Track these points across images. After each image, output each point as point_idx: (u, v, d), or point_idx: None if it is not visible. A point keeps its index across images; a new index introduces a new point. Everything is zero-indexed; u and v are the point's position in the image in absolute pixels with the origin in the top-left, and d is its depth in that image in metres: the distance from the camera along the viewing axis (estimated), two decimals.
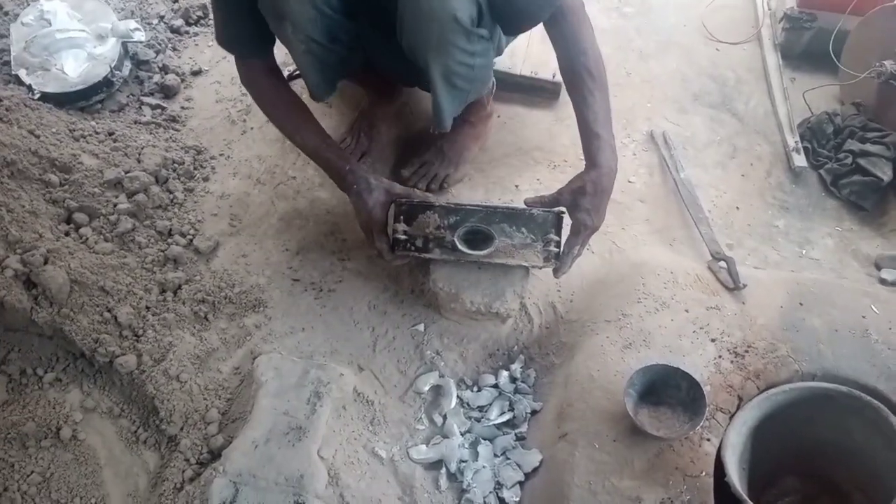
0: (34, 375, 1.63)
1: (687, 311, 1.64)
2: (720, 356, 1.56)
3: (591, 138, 1.57)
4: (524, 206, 1.60)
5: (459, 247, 1.59)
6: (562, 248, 1.58)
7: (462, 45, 1.46)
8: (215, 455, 1.55)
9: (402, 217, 1.63)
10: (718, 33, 2.39)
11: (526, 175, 1.98)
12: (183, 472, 1.52)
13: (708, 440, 1.46)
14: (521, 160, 2.02)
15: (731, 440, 1.45)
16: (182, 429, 1.57)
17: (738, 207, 1.95)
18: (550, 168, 1.99)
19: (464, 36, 1.45)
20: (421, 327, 1.73)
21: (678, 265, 1.75)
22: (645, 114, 2.15)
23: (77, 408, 1.60)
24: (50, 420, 1.57)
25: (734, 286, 1.67)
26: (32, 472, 1.52)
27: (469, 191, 1.95)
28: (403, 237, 1.61)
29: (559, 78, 1.96)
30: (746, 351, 1.56)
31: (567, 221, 1.60)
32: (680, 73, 2.28)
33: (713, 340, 1.59)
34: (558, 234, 1.59)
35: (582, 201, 1.56)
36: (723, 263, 1.72)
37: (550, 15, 1.54)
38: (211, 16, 2.39)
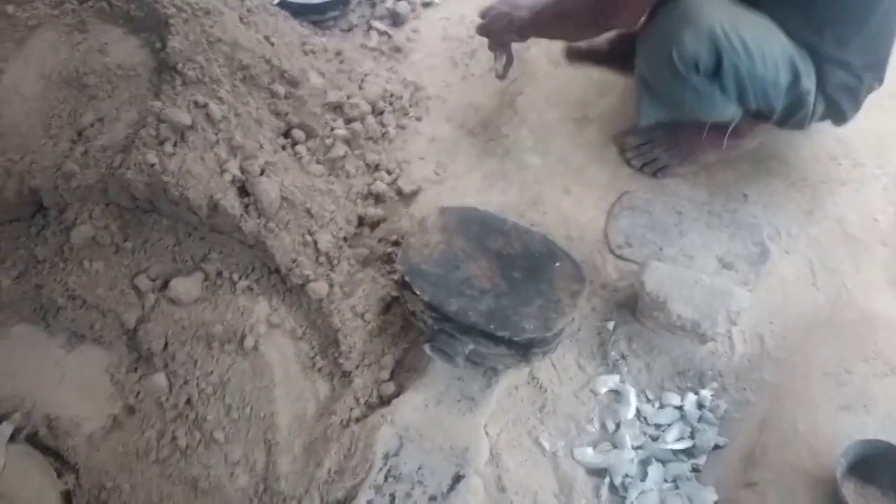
0: (229, 280, 1.67)
1: None
2: None
3: None
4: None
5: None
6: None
7: (667, 78, 1.51)
8: (384, 401, 1.54)
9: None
10: None
11: (757, 185, 1.79)
12: (351, 409, 1.53)
13: None
14: (754, 167, 1.82)
15: None
16: (357, 367, 1.57)
17: None
18: (786, 184, 1.79)
19: (670, 73, 1.48)
20: (610, 325, 1.63)
21: None
22: None
23: (263, 320, 1.63)
24: (236, 326, 1.60)
25: None
26: (212, 372, 1.57)
27: (690, 189, 1.80)
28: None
29: None
30: None
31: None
32: None
33: None
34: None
35: None
36: None
37: None
38: None
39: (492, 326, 1.41)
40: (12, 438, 1.42)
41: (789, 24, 1.50)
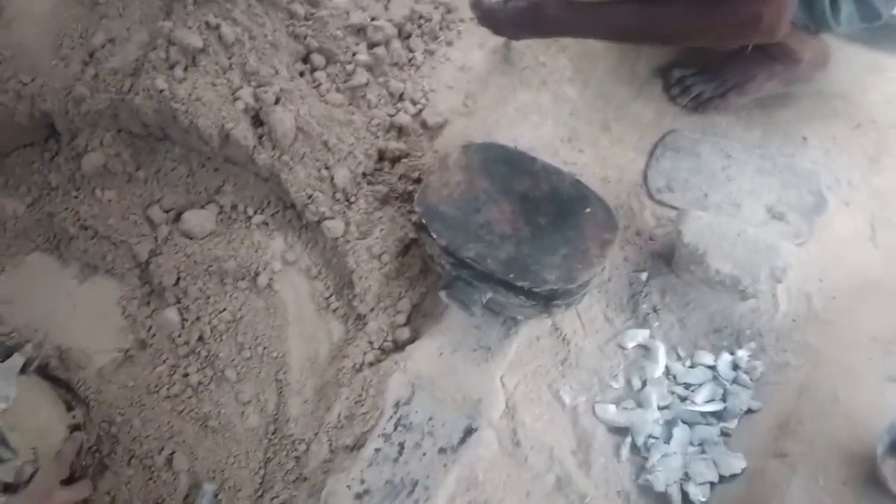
0: (244, 213, 1.61)
1: None
2: None
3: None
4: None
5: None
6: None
7: None
8: (398, 346, 1.49)
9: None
10: None
11: (817, 127, 1.62)
12: (364, 353, 1.47)
13: None
14: (816, 106, 1.65)
15: None
16: (373, 310, 1.51)
17: None
18: (852, 126, 1.62)
19: None
20: (643, 276, 1.52)
21: None
22: None
23: (278, 257, 1.57)
24: (250, 263, 1.55)
25: None
26: (225, 309, 1.53)
27: (743, 129, 1.64)
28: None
29: None
30: None
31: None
32: None
33: None
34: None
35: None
36: None
37: None
38: None
39: (511, 275, 1.32)
40: (23, 370, 1.41)
41: None
